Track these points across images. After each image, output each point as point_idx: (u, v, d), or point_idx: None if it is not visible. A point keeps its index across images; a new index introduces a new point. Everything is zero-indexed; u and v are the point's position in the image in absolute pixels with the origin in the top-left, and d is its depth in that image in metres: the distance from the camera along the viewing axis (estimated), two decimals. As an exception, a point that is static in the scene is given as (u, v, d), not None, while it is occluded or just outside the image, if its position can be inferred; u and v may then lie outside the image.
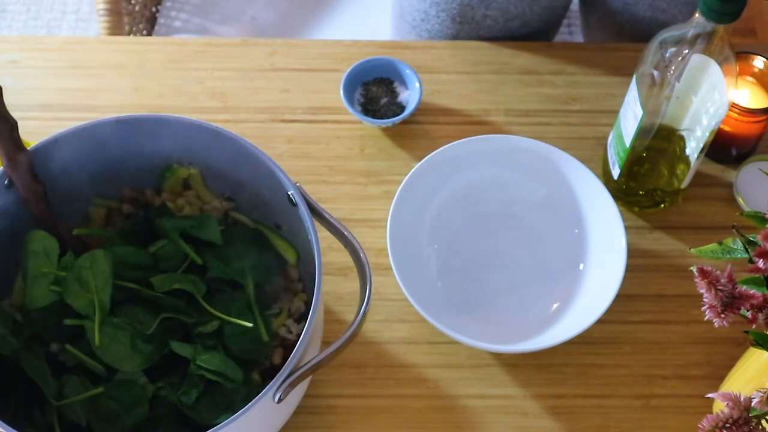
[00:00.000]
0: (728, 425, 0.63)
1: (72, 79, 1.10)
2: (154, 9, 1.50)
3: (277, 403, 0.75)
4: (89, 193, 0.91)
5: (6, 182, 0.82)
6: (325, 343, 0.92)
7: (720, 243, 0.75)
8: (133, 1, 1.41)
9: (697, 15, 0.83)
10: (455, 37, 1.18)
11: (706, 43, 0.85)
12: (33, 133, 0.98)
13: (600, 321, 0.91)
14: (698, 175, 1.06)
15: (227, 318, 0.85)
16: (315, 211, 0.82)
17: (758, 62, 1.03)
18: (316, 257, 0.80)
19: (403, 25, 1.24)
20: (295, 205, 0.83)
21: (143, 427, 0.83)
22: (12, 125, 0.80)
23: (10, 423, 0.73)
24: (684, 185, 1.00)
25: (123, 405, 0.82)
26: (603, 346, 0.97)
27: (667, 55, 0.88)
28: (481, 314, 0.97)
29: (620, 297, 0.93)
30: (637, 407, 0.94)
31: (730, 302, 0.67)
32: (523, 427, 0.93)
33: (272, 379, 0.75)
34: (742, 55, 1.03)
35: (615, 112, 1.03)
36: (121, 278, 0.84)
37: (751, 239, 0.72)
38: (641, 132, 0.94)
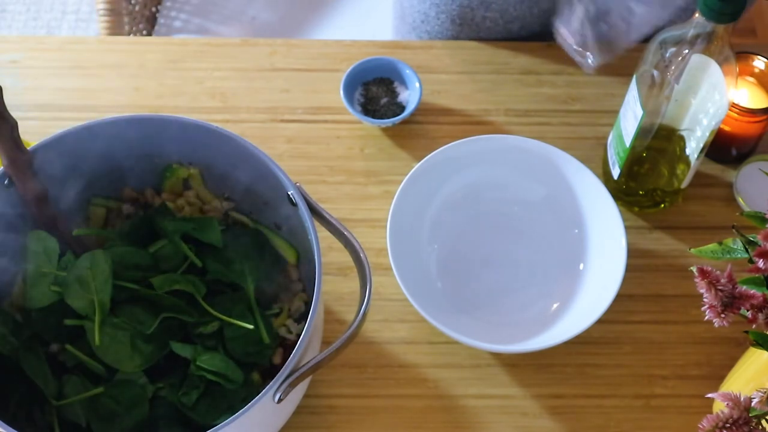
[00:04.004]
0: (728, 425, 0.63)
1: (72, 79, 1.10)
2: (154, 9, 1.50)
3: (277, 403, 0.75)
4: (89, 193, 0.91)
5: (6, 182, 0.82)
6: (325, 343, 0.92)
7: (720, 243, 0.75)
8: (133, 1, 1.41)
9: (697, 15, 0.83)
10: (455, 38, 1.18)
11: (706, 43, 0.85)
12: (33, 133, 0.98)
13: (600, 321, 0.91)
14: (698, 175, 1.06)
15: (228, 320, 0.85)
16: (315, 211, 0.82)
17: (758, 62, 1.03)
18: (316, 257, 0.79)
19: (404, 26, 1.24)
20: (295, 205, 0.83)
21: (143, 427, 0.83)
22: (12, 125, 0.80)
23: (10, 423, 0.73)
24: (684, 185, 1.00)
25: (123, 405, 0.82)
26: (603, 346, 0.97)
27: (667, 55, 0.88)
28: (481, 314, 0.97)
29: (620, 297, 0.93)
30: (637, 407, 0.94)
31: (730, 302, 0.67)
32: (523, 427, 0.93)
33: (272, 379, 0.75)
34: (742, 55, 1.03)
35: (615, 112, 1.03)
36: (121, 278, 0.84)
37: (751, 239, 0.72)
38: (641, 132, 0.94)
